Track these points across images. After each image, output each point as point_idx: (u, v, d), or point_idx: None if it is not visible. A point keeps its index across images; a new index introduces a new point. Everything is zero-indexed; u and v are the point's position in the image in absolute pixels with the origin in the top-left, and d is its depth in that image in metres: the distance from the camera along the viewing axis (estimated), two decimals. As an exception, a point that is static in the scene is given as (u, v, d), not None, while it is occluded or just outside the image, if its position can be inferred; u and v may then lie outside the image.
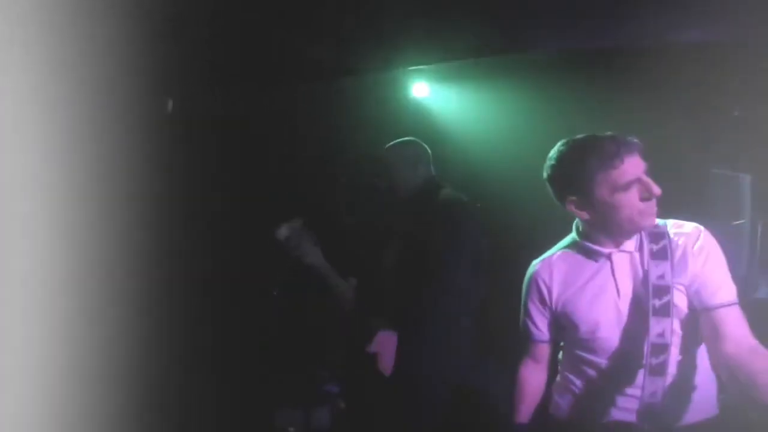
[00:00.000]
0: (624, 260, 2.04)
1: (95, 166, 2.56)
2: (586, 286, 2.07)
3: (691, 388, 1.99)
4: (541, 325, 2.19)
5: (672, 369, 1.95)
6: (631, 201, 1.93)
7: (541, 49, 3.71)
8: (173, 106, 3.54)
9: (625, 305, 2.01)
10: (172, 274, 3.33)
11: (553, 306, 2.13)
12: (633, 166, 1.94)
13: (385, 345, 3.04)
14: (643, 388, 1.92)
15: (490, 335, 3.09)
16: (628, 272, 2.02)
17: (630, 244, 2.03)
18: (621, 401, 2.02)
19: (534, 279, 2.19)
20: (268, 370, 3.53)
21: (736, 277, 2.07)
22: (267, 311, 3.38)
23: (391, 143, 3.24)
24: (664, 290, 1.93)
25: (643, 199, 1.95)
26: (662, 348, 1.90)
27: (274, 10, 3.34)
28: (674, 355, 1.97)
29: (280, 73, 3.91)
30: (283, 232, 2.93)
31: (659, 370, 1.90)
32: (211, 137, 3.81)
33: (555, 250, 2.20)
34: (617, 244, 2.04)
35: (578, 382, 2.13)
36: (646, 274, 1.98)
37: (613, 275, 2.03)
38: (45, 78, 2.22)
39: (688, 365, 1.99)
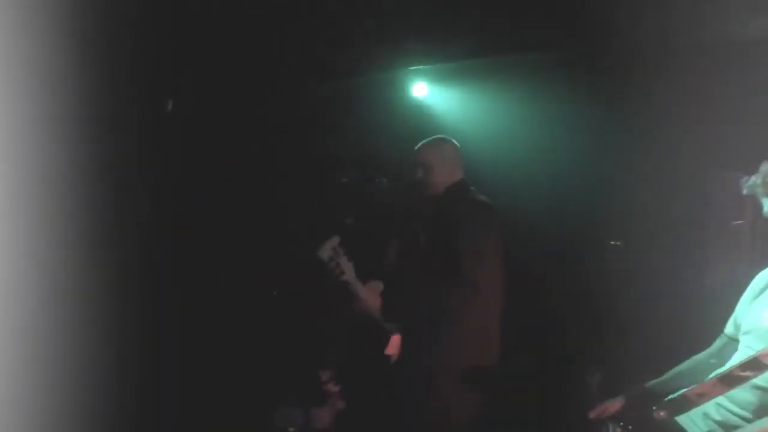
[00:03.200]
0: None
1: (94, 165, 2.57)
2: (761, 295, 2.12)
3: None
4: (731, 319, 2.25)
5: None
6: None
7: (540, 49, 3.71)
8: (173, 105, 3.54)
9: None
10: (172, 273, 3.34)
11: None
12: None
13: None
14: None
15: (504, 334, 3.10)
16: None
17: None
18: None
19: None
20: (268, 370, 3.54)
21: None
22: (267, 312, 3.38)
23: (430, 139, 3.22)
24: None
25: None
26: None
27: (274, 10, 3.34)
28: None
29: (279, 73, 3.91)
30: (326, 252, 2.97)
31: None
32: (210, 137, 3.81)
33: None
34: None
35: None
36: None
37: None
38: (41, 77, 2.22)
39: None
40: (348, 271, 3.01)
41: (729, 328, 2.23)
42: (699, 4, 2.95)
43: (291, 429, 3.37)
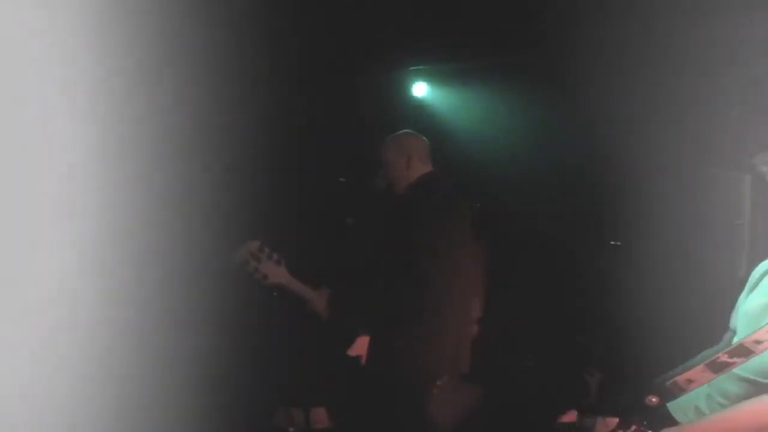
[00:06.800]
0: None
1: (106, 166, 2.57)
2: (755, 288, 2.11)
3: None
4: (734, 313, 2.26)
5: None
6: None
7: (540, 49, 3.72)
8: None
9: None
10: (172, 273, 3.34)
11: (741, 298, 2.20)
12: None
13: (364, 348, 3.00)
14: None
15: (486, 332, 3.10)
16: None
17: None
18: None
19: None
20: (268, 370, 3.54)
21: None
22: (267, 312, 3.38)
23: (393, 135, 3.16)
24: None
25: None
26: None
27: (274, 11, 3.34)
28: None
29: (280, 73, 3.91)
30: (237, 257, 2.88)
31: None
32: (210, 136, 3.82)
33: None
34: None
35: None
36: None
37: None
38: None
39: None
40: (274, 274, 2.89)
41: (732, 321, 2.22)
42: (699, 4, 2.95)
43: (291, 429, 3.38)
